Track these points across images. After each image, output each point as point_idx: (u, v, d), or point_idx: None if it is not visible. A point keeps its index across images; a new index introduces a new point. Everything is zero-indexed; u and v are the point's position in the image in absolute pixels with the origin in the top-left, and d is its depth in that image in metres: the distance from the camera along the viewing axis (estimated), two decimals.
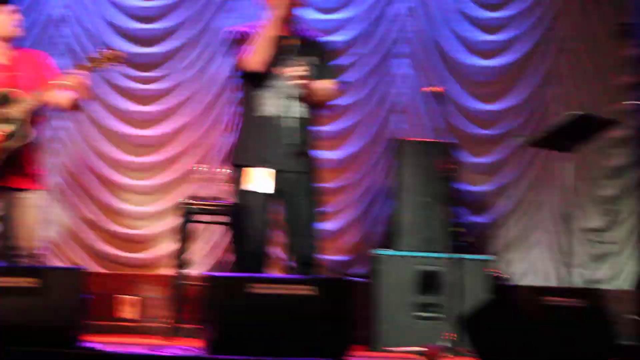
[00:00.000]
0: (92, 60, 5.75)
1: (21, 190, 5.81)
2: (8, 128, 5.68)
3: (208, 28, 8.40)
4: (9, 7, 5.87)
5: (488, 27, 8.65)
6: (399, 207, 7.40)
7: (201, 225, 7.85)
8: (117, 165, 8.26)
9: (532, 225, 8.52)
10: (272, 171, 5.60)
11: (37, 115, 5.82)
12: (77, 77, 5.68)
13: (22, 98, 5.70)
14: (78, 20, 8.24)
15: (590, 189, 8.44)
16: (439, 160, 7.04)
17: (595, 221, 8.43)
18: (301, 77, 5.49)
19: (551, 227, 8.45)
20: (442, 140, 7.47)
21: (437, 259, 7.05)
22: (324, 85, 5.72)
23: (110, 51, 5.77)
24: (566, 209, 7.69)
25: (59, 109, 5.89)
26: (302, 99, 5.64)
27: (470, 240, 7.63)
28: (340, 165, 8.32)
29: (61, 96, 5.82)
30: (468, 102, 8.55)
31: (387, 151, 8.29)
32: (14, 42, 5.95)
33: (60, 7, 8.24)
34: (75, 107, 5.98)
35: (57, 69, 6.05)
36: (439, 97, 6.33)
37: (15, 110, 5.68)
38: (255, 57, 5.55)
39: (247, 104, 5.76)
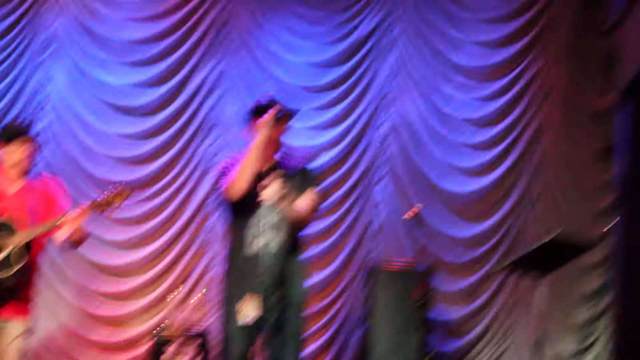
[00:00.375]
0: (98, 203, 5.70)
1: (6, 320, 5.74)
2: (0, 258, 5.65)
3: (186, 150, 8.43)
4: (22, 138, 5.79)
5: (472, 145, 8.65)
6: (372, 332, 7.36)
7: (174, 350, 7.82)
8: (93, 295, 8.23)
9: (503, 350, 8.42)
10: (257, 302, 5.58)
11: (32, 247, 5.74)
12: (79, 216, 5.65)
13: (18, 229, 5.65)
14: (57, 142, 8.28)
15: (563, 313, 8.36)
16: (413, 287, 7.03)
17: (568, 345, 8.32)
18: (280, 196, 5.48)
19: (523, 352, 8.36)
20: (417, 266, 7.44)
21: None
22: (304, 199, 5.70)
23: (118, 190, 5.71)
24: (538, 333, 7.62)
25: (56, 245, 5.86)
26: (286, 225, 5.64)
27: None
28: (313, 290, 8.19)
29: (59, 233, 5.78)
30: (446, 224, 8.50)
31: (360, 275, 8.25)
32: (26, 170, 5.86)
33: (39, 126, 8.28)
34: (71, 243, 5.90)
35: (66, 202, 5.93)
36: (415, 219, 6.32)
37: (9, 241, 5.62)
38: (234, 184, 5.57)
39: (233, 236, 5.76)
